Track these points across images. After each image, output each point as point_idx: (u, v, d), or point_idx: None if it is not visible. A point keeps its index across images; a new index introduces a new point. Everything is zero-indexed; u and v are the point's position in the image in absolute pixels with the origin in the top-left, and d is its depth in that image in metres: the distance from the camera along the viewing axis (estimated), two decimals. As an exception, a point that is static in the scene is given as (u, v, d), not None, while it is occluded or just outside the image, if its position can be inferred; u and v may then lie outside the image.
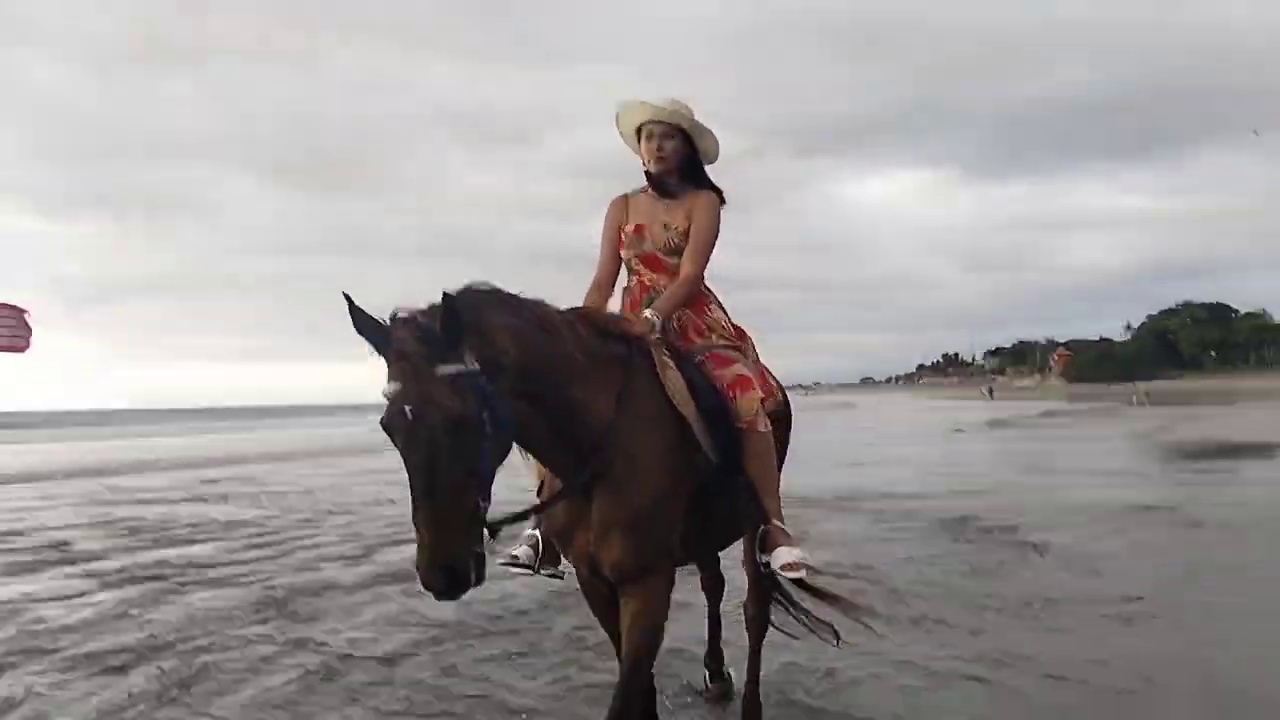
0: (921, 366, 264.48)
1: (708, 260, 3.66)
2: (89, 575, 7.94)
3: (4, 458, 24.70)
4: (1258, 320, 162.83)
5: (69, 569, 8.32)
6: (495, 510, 2.70)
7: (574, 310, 3.22)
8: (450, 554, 2.55)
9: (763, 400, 3.47)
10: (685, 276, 3.60)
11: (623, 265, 3.78)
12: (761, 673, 4.15)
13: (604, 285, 3.77)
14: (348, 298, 2.64)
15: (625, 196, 3.81)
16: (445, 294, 2.61)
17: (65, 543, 9.80)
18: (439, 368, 2.59)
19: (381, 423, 2.61)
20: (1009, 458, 18.77)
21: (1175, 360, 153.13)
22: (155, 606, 6.63)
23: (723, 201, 3.72)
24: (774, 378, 3.93)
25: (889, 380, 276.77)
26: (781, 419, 3.84)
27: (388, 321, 2.66)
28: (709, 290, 3.75)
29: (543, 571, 3.49)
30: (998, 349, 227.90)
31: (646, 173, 3.73)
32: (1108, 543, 8.22)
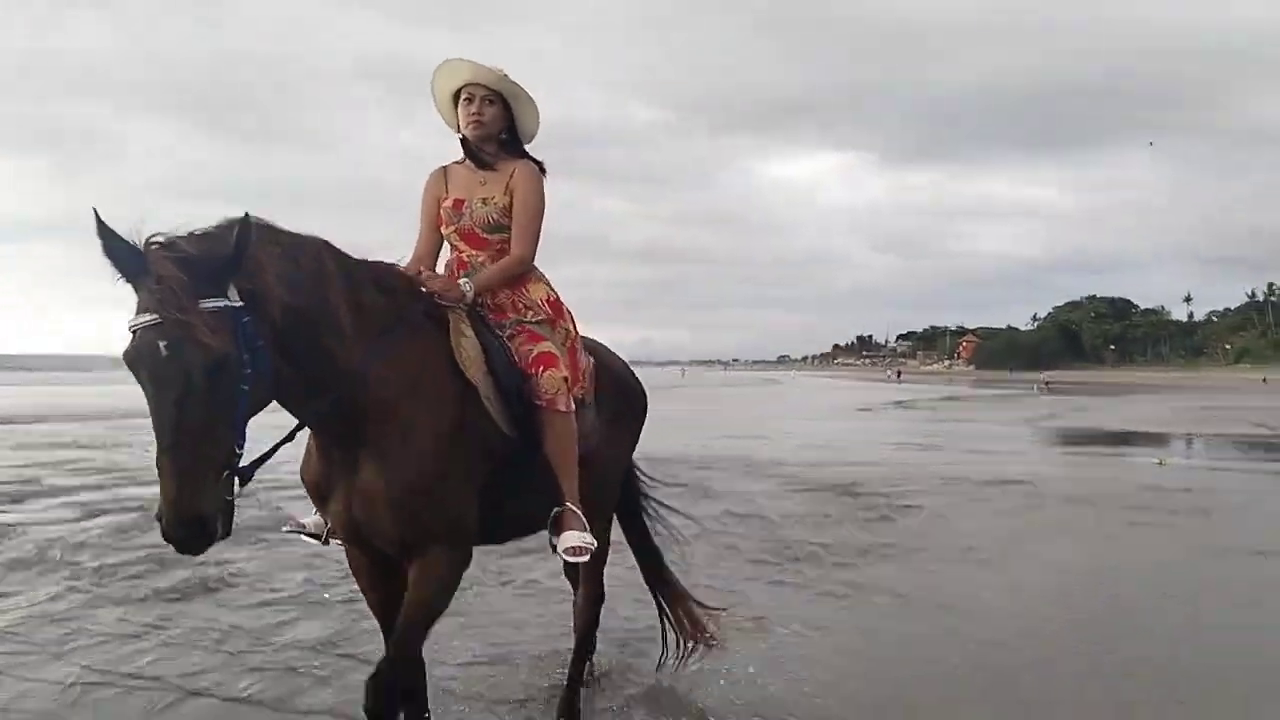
0: (837, 346, 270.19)
1: (537, 237, 3.50)
2: (75, 505, 8.85)
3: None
4: (1156, 317, 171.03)
5: (51, 500, 9.21)
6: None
7: (363, 261, 3.02)
8: (198, 506, 2.34)
9: (566, 381, 3.34)
10: (514, 257, 3.46)
11: (444, 241, 3.61)
12: (586, 673, 4.21)
13: (424, 260, 3.59)
14: (96, 214, 2.39)
15: (444, 168, 3.62)
16: (242, 219, 2.44)
17: (35, 479, 10.61)
18: (202, 301, 2.38)
19: (125, 356, 2.38)
20: (903, 435, 20.49)
21: (1077, 352, 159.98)
22: (150, 531, 7.60)
23: (543, 173, 3.55)
24: (619, 362, 3.99)
25: (805, 359, 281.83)
26: (620, 410, 3.86)
27: (143, 246, 2.40)
28: (534, 267, 3.57)
29: (333, 542, 3.32)
30: (909, 333, 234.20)
31: (463, 140, 3.55)
32: (965, 508, 9.69)
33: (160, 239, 2.41)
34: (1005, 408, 35.93)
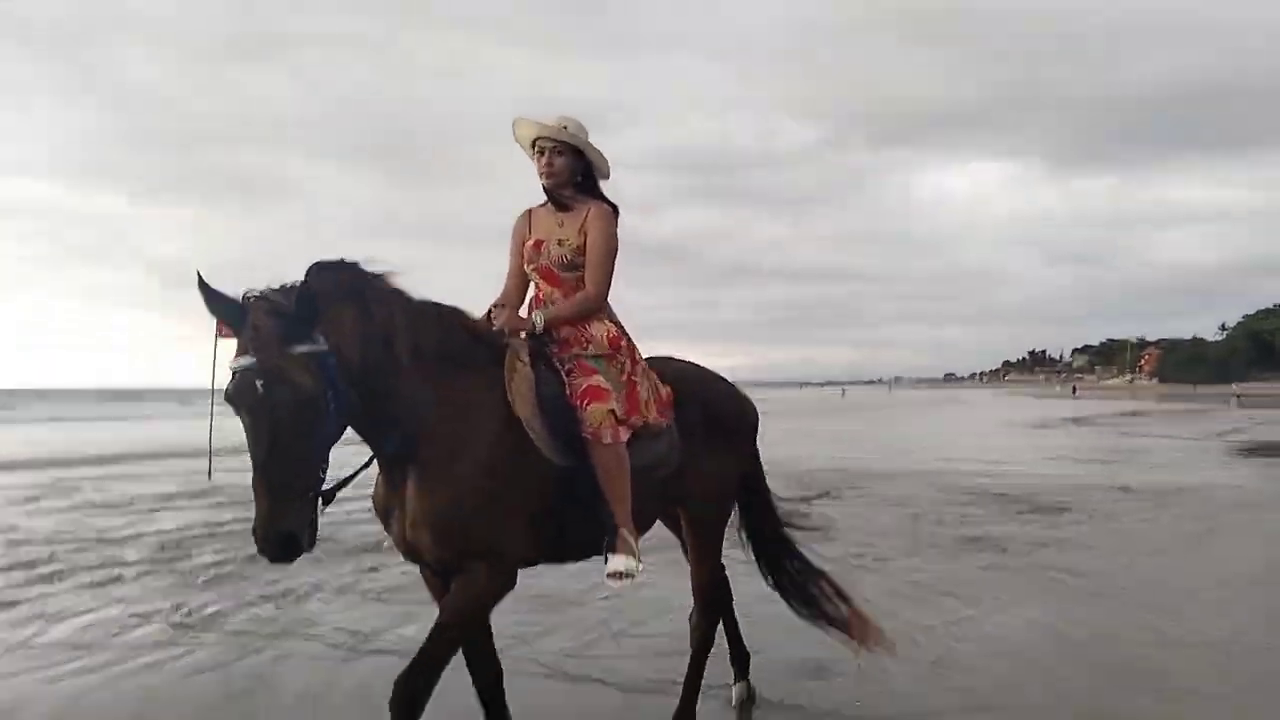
0: (1008, 363, 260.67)
1: (608, 276, 3.69)
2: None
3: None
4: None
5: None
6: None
7: (427, 308, 3.28)
8: (287, 523, 2.71)
9: (625, 415, 3.53)
10: (586, 295, 3.65)
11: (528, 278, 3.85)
12: (703, 684, 4.25)
13: (512, 295, 3.83)
14: (199, 276, 2.77)
15: (529, 211, 3.87)
16: (304, 279, 2.79)
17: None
18: (294, 346, 2.75)
19: (227, 394, 2.74)
20: (1085, 451, 20.86)
21: (1272, 362, 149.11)
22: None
23: (616, 214, 3.77)
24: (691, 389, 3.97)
25: (973, 376, 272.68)
26: (715, 431, 3.98)
27: (242, 299, 2.80)
28: (606, 304, 3.75)
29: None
30: (1085, 347, 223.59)
31: (543, 187, 3.79)
32: (1092, 508, 10.79)
33: (256, 293, 2.81)
34: (1188, 422, 34.86)
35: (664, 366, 3.96)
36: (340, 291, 2.96)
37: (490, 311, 3.61)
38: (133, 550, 8.54)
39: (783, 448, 18.12)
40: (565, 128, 3.66)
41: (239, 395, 2.73)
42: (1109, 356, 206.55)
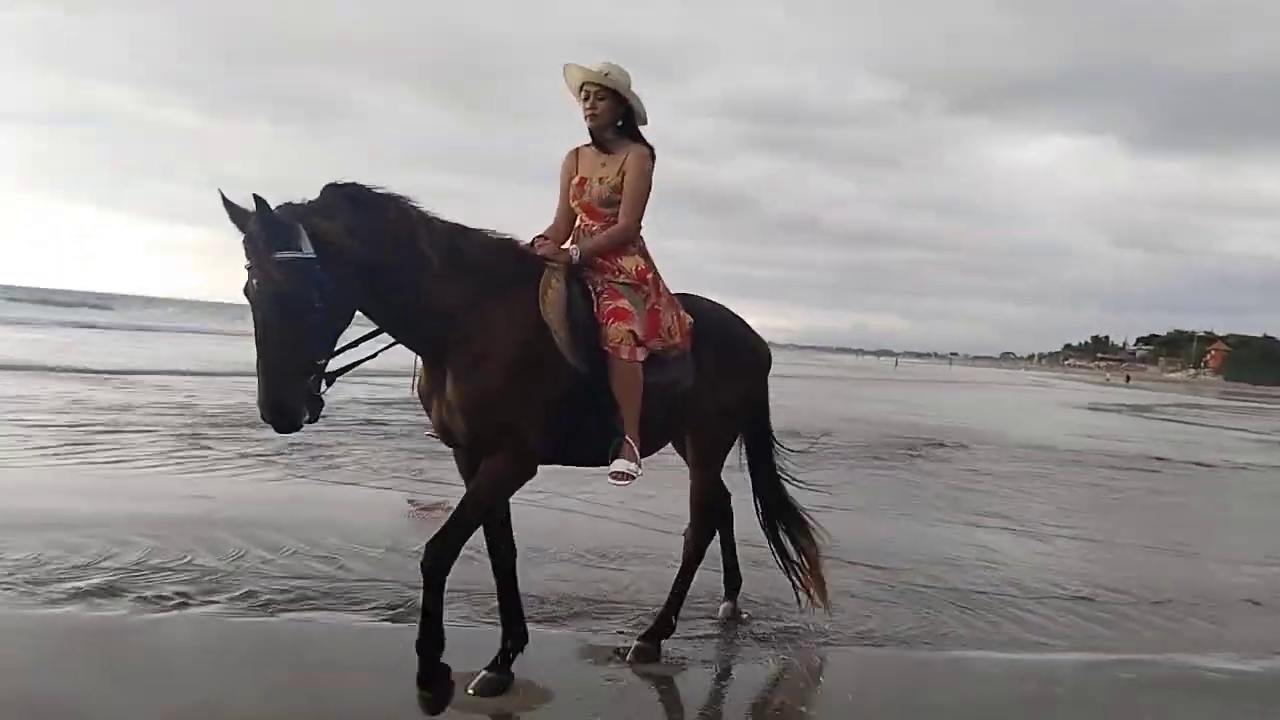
0: (1069, 346, 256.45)
1: (640, 211, 4.09)
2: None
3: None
4: None
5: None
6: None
7: (454, 225, 3.72)
8: (278, 396, 3.21)
9: (645, 337, 3.94)
10: (619, 227, 4.07)
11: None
12: (687, 593, 4.69)
13: (559, 227, 4.25)
14: (221, 194, 3.23)
15: (576, 150, 4.25)
16: (258, 198, 3.15)
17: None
18: (277, 252, 3.18)
19: (243, 290, 3.25)
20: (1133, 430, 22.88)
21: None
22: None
23: (653, 157, 4.13)
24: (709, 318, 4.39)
25: (1031, 357, 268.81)
26: (728, 363, 4.41)
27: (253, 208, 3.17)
28: (639, 237, 4.15)
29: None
30: (1152, 336, 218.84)
31: (588, 129, 4.14)
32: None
33: (259, 207, 3.17)
34: (1243, 418, 35.77)
35: (689, 302, 4.40)
36: (348, 199, 3.42)
37: (534, 240, 4.07)
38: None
39: (895, 412, 20.42)
40: (609, 74, 4.02)
41: (245, 292, 3.29)
42: (1174, 348, 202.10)
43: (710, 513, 4.76)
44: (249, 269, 3.25)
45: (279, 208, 3.25)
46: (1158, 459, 15.88)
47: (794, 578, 5.07)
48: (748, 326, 4.80)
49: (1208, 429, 27.34)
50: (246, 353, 3.55)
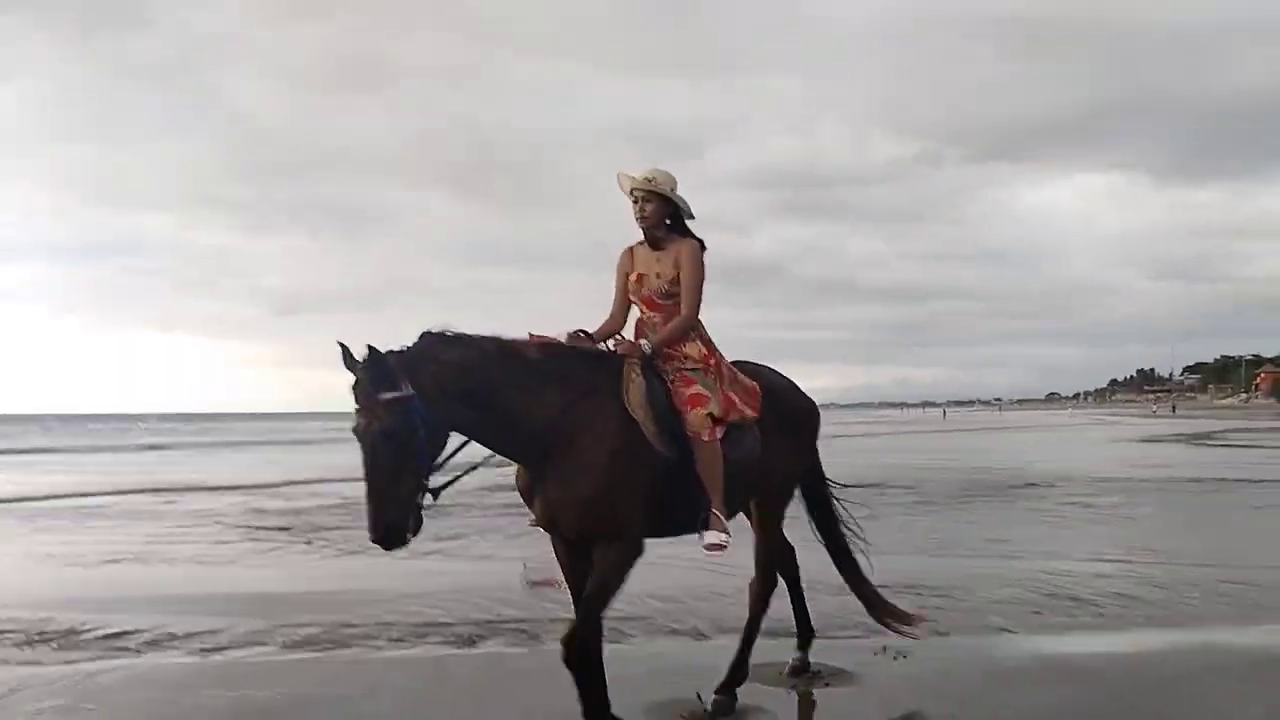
0: (1114, 382, 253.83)
1: (698, 300, 4.42)
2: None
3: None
4: None
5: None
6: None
7: (533, 341, 4.13)
8: (388, 518, 3.65)
9: (723, 415, 4.25)
10: (683, 316, 4.40)
11: (631, 305, 4.55)
12: (755, 641, 4.88)
13: (615, 319, 4.58)
14: (341, 346, 3.68)
15: (630, 248, 4.57)
16: (370, 348, 3.61)
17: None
18: (381, 394, 3.61)
19: (353, 429, 3.67)
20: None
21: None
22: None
23: (703, 248, 4.47)
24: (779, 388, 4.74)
25: (1077, 396, 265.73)
26: (785, 425, 4.68)
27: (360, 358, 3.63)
28: (699, 323, 4.46)
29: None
30: (1199, 364, 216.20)
31: (641, 229, 4.48)
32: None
33: (367, 355, 3.63)
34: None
35: (744, 369, 4.70)
36: (439, 343, 3.86)
37: (577, 331, 4.43)
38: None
39: (965, 459, 21.50)
40: (653, 179, 4.40)
41: (355, 431, 3.69)
42: (1223, 374, 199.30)
43: (773, 567, 5.03)
44: (358, 410, 3.67)
45: (386, 353, 3.71)
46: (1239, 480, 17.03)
47: (873, 613, 5.36)
48: (797, 386, 5.08)
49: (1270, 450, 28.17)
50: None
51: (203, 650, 6.13)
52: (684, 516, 4.24)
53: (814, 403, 5.20)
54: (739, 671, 4.82)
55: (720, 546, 4.19)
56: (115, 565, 9.56)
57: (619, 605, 4.45)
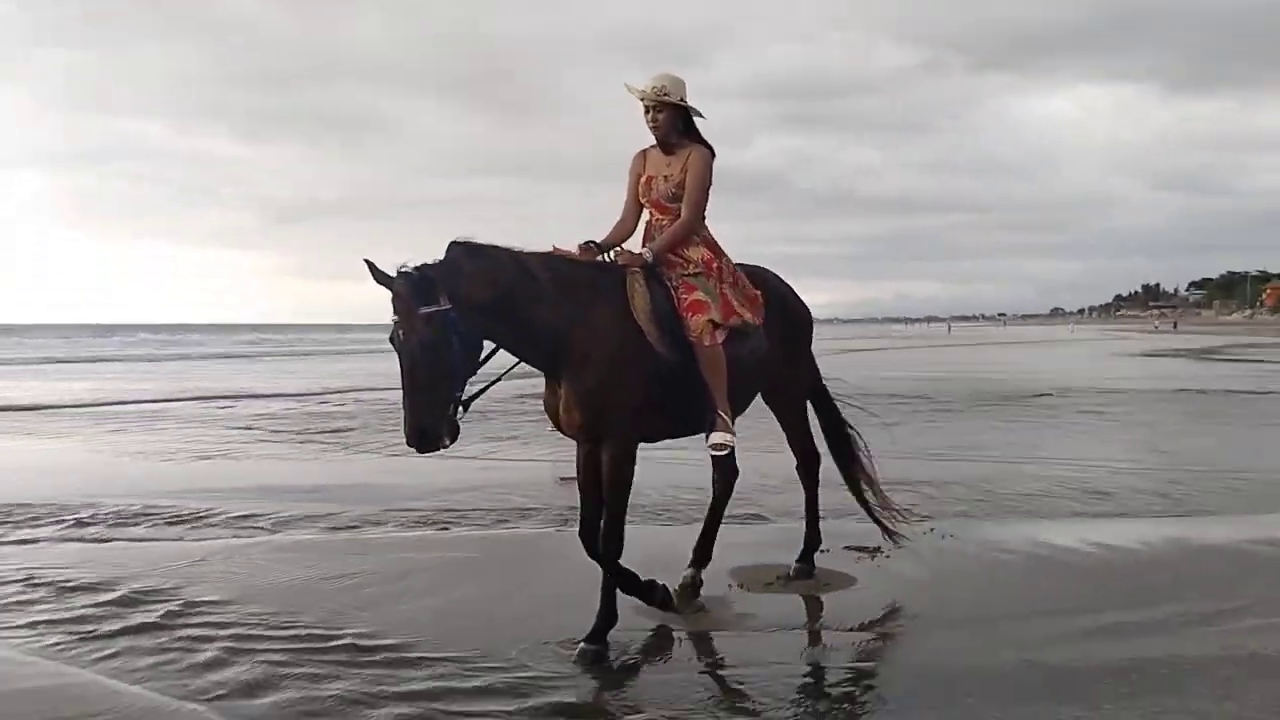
0: (1119, 298, 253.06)
1: (700, 206, 4.56)
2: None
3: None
4: None
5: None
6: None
7: (548, 254, 4.31)
8: (424, 425, 3.90)
9: (722, 320, 4.44)
10: (682, 222, 4.53)
11: (642, 207, 4.69)
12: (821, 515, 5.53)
13: (627, 222, 4.75)
14: (368, 263, 3.90)
15: (643, 151, 4.72)
16: (400, 268, 3.88)
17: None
18: (420, 308, 3.82)
19: (389, 339, 3.91)
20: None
21: None
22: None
23: (713, 155, 4.62)
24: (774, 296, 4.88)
25: (1081, 311, 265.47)
26: (790, 332, 4.98)
27: (395, 273, 3.86)
28: (701, 229, 4.60)
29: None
30: (1204, 280, 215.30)
31: (655, 137, 4.63)
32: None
33: (403, 270, 3.89)
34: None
35: (751, 273, 4.89)
36: (467, 254, 4.03)
37: (587, 243, 4.59)
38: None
39: (971, 372, 21.99)
40: (664, 88, 4.52)
41: (392, 341, 3.93)
42: (1229, 290, 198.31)
43: (811, 456, 5.48)
44: (396, 322, 3.90)
45: (417, 268, 3.93)
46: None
47: (873, 514, 5.63)
48: (791, 288, 5.30)
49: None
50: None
51: (330, 529, 6.93)
52: (692, 417, 4.50)
53: (809, 310, 5.46)
54: (814, 539, 5.50)
55: (725, 447, 4.49)
56: (207, 461, 10.37)
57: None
